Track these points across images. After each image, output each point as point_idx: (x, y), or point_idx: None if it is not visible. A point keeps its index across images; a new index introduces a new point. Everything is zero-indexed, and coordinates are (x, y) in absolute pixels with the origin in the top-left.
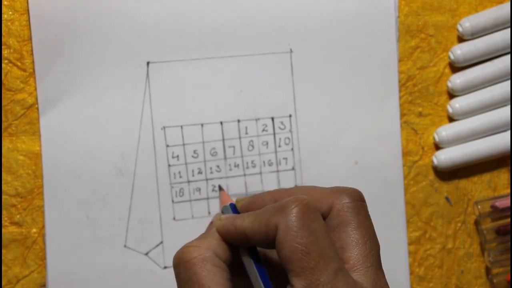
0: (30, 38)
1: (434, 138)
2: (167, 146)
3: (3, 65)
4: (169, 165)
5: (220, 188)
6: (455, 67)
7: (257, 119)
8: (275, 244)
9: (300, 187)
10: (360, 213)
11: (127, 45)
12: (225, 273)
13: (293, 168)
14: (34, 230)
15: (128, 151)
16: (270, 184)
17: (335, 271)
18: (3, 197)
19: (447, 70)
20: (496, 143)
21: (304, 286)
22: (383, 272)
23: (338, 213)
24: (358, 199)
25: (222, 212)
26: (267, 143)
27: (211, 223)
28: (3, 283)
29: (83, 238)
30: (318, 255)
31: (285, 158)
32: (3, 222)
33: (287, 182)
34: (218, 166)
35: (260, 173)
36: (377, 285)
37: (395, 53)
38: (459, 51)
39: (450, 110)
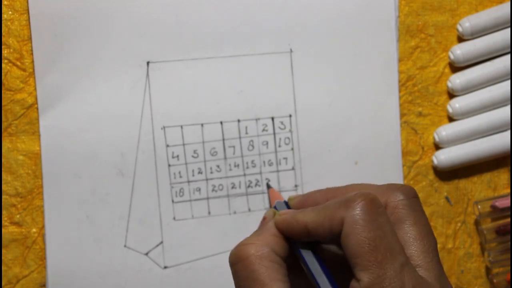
0: (30, 38)
1: (434, 138)
2: (167, 146)
3: (3, 65)
4: (169, 165)
5: (269, 186)
6: (455, 67)
7: (257, 119)
8: (341, 238)
9: (353, 185)
10: (415, 210)
11: (127, 45)
12: (283, 269)
13: (293, 168)
14: (34, 230)
15: (128, 151)
16: (270, 184)
17: (401, 266)
18: (3, 197)
19: (447, 70)
20: (496, 143)
21: (371, 280)
22: (443, 267)
23: (393, 210)
24: (412, 196)
25: (276, 208)
26: (267, 143)
27: (264, 219)
28: (3, 283)
29: (83, 238)
30: (385, 249)
31: (285, 158)
32: (3, 222)
33: (287, 182)
34: (218, 166)
35: (260, 173)
36: (441, 280)
37: (395, 53)
38: (459, 51)
39: (450, 110)
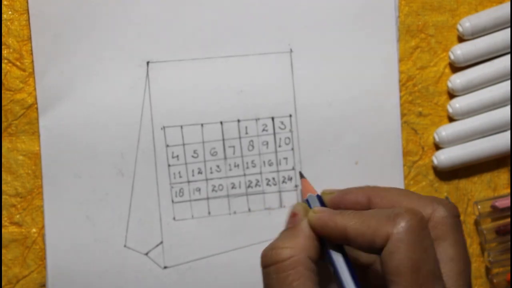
0: (29, 38)
1: (434, 138)
2: (167, 146)
3: (2, 65)
4: (169, 165)
5: (302, 176)
6: (455, 67)
7: (257, 119)
8: (383, 253)
9: (397, 189)
10: (457, 230)
11: (127, 45)
12: (316, 277)
13: (293, 168)
14: (34, 230)
15: (128, 151)
16: (270, 184)
17: None
18: (3, 197)
19: (447, 70)
20: (496, 143)
21: None
22: None
23: (436, 226)
24: (456, 215)
25: (308, 202)
26: (267, 143)
27: (294, 215)
28: (3, 283)
29: (83, 238)
30: (428, 273)
31: (285, 158)
32: (3, 222)
33: (287, 181)
34: (218, 166)
35: (260, 173)
36: None
37: (395, 53)
38: (459, 51)
39: (450, 110)
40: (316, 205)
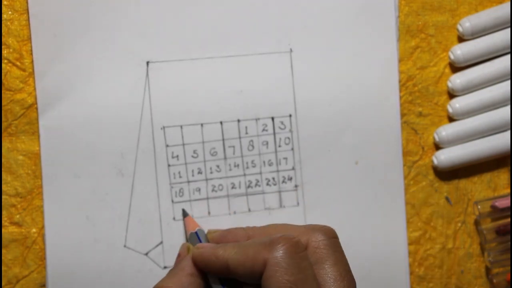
0: (29, 38)
1: (434, 138)
2: (167, 146)
3: (2, 65)
4: (168, 165)
5: (185, 214)
6: (455, 67)
7: (257, 119)
8: (262, 279)
9: (274, 225)
10: (336, 250)
11: (127, 44)
12: None
13: (293, 168)
14: (34, 230)
15: (128, 151)
16: (270, 184)
17: None
18: (3, 197)
19: (447, 70)
20: (496, 143)
21: None
22: None
23: (314, 251)
24: (332, 237)
25: (190, 239)
26: (267, 143)
27: (178, 255)
28: (3, 283)
29: (83, 238)
30: None
31: (285, 158)
32: (3, 222)
33: (287, 181)
34: (218, 166)
35: (260, 173)
36: None
37: (395, 53)
38: (459, 51)
39: (450, 110)
40: (198, 242)
